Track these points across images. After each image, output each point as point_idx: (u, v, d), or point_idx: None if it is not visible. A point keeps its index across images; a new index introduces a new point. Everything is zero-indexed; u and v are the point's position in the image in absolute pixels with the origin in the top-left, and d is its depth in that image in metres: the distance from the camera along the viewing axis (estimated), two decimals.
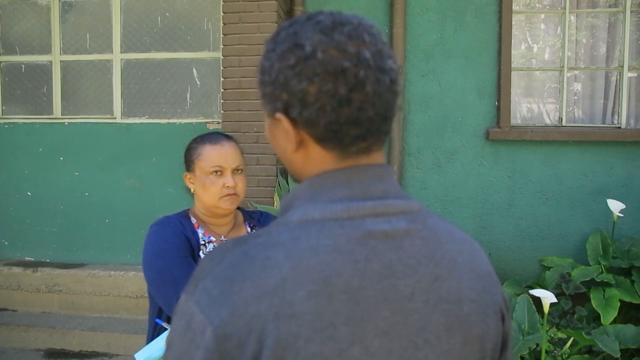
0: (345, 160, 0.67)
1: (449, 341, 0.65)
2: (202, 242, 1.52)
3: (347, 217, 0.63)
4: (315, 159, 0.67)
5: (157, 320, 1.47)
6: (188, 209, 1.60)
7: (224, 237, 1.57)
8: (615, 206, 3.21)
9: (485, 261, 0.72)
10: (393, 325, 0.62)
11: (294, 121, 0.66)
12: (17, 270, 4.02)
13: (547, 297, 2.31)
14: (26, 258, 4.28)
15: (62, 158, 4.24)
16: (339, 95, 0.62)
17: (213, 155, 1.49)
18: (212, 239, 1.54)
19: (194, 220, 1.56)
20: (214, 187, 1.48)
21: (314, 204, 0.65)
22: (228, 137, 1.55)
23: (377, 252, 0.62)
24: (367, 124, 0.64)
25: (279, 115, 0.66)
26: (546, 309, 2.35)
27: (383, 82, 0.64)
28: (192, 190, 1.55)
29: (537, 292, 2.36)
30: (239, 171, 1.52)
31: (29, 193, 4.28)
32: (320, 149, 0.67)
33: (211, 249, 1.52)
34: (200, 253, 1.49)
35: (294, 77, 0.63)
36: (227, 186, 1.48)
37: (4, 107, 4.36)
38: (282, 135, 0.68)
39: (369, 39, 0.64)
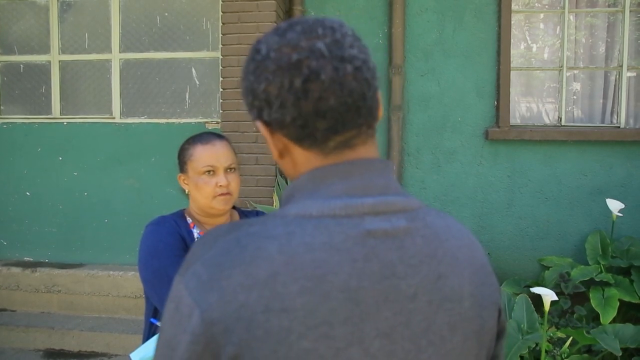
0: (329, 158, 0.67)
1: (452, 340, 0.64)
2: None
3: (344, 215, 0.63)
4: (301, 162, 0.68)
5: (152, 320, 1.47)
6: (184, 209, 1.60)
7: None
8: (615, 206, 3.21)
9: (480, 253, 0.72)
10: (395, 326, 0.61)
11: (269, 126, 0.67)
12: (16, 270, 4.02)
13: (548, 295, 2.30)
14: (25, 258, 4.28)
15: (61, 158, 4.24)
16: (294, 88, 0.63)
17: (204, 155, 1.49)
18: None
19: (189, 219, 1.56)
20: (207, 186, 1.48)
21: (312, 200, 0.64)
22: (220, 137, 1.54)
23: (376, 251, 0.62)
24: (332, 114, 0.64)
25: (257, 122, 0.69)
26: (547, 306, 2.34)
27: (343, 71, 0.63)
28: (186, 191, 1.55)
29: (537, 289, 2.36)
30: (232, 170, 1.51)
31: (27, 193, 4.28)
32: (302, 151, 0.67)
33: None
34: None
35: (255, 80, 0.66)
36: (220, 185, 1.47)
37: (2, 107, 4.36)
38: (267, 142, 0.70)
39: (322, 31, 0.65)
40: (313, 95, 0.63)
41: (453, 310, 0.65)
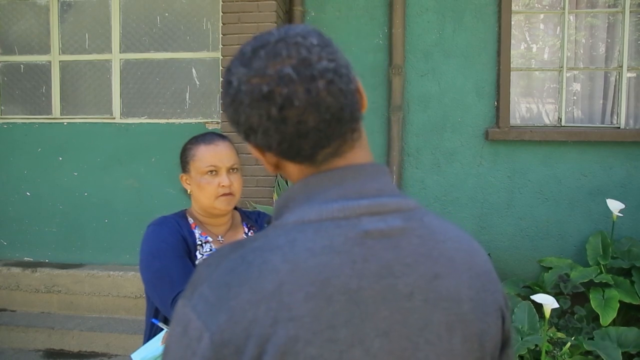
0: (321, 167, 0.68)
1: (450, 341, 0.64)
2: (199, 242, 1.51)
3: (343, 217, 0.63)
4: (294, 173, 0.70)
5: (153, 320, 1.47)
6: (185, 209, 1.60)
7: (221, 237, 1.56)
8: (615, 206, 3.21)
9: (484, 259, 0.72)
10: (393, 325, 0.61)
11: (258, 147, 0.70)
12: (16, 270, 4.02)
13: (549, 304, 2.28)
14: (25, 258, 4.28)
15: (61, 158, 4.24)
16: (273, 117, 0.64)
17: (207, 155, 1.49)
18: (209, 239, 1.54)
19: (191, 220, 1.55)
20: (210, 187, 1.48)
21: (309, 205, 0.65)
22: (222, 137, 1.54)
23: (374, 251, 0.62)
24: (315, 134, 0.65)
25: (247, 144, 0.71)
26: (547, 314, 2.33)
27: (315, 90, 0.63)
28: (188, 191, 1.55)
29: (538, 297, 2.34)
30: (234, 170, 1.51)
31: (28, 193, 4.28)
32: (294, 165, 0.69)
33: (208, 250, 1.51)
34: (197, 253, 1.49)
35: (234, 113, 0.67)
36: (223, 185, 1.47)
37: (2, 107, 4.36)
38: (260, 160, 0.72)
39: (286, 52, 0.64)
40: (292, 121, 0.63)
41: (450, 310, 0.65)
